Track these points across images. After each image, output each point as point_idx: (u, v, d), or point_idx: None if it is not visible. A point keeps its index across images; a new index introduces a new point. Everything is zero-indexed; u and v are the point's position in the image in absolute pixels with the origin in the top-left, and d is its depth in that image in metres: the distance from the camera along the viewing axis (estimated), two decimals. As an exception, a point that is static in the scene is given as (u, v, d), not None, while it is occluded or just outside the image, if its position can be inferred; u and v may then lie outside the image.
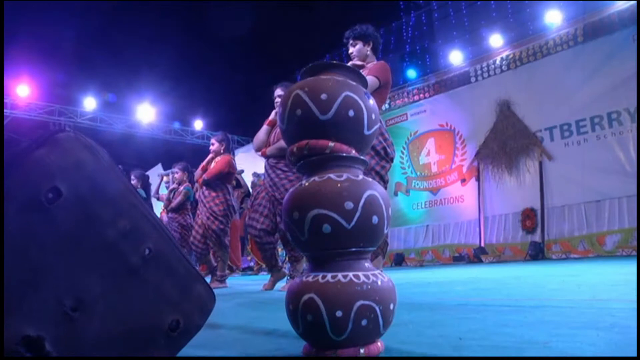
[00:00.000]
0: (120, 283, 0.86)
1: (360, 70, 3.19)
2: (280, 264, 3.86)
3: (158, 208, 8.75)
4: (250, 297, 2.97)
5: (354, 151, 1.10)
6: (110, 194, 0.87)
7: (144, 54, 11.93)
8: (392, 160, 3.12)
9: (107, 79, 11.79)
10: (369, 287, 1.00)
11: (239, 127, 14.01)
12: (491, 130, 8.75)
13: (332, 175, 1.04)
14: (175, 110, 12.91)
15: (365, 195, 1.01)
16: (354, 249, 1.03)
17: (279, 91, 3.82)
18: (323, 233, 1.00)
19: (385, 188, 3.03)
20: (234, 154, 5.04)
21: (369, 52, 3.26)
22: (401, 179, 10.31)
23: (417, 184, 10.18)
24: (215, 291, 3.57)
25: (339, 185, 1.01)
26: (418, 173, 10.18)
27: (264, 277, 3.76)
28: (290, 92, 1.12)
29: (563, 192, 7.64)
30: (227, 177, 4.60)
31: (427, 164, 10.03)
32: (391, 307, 1.03)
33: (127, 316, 0.88)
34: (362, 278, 1.01)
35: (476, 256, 8.07)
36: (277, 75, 14.27)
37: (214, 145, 4.66)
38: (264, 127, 3.81)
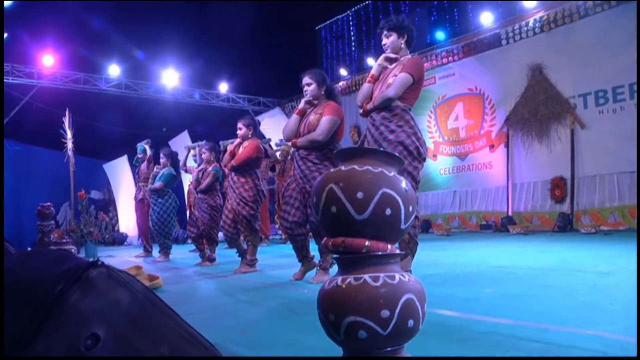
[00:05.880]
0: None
1: (394, 65, 3.15)
2: (310, 253, 3.91)
3: (186, 180, 8.91)
4: (281, 298, 3.05)
5: (389, 246, 1.10)
6: (147, 325, 0.89)
7: (166, 20, 11.81)
8: (424, 160, 3.11)
9: (130, 45, 11.76)
10: (405, 387, 1.03)
11: (263, 88, 13.91)
12: (522, 96, 8.49)
13: (367, 278, 1.04)
14: (200, 74, 12.85)
15: (401, 302, 1.02)
16: (389, 349, 1.05)
17: (307, 79, 3.78)
18: (359, 338, 1.02)
19: (417, 188, 3.01)
20: (259, 133, 5.06)
21: (402, 45, 3.22)
22: (428, 144, 10.17)
23: (445, 149, 10.06)
24: (246, 277, 3.60)
25: (375, 291, 1.02)
26: (446, 138, 10.04)
27: (290, 249, 3.83)
28: (324, 183, 1.10)
29: (595, 162, 7.44)
30: (256, 162, 4.62)
31: (455, 128, 9.86)
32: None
33: None
34: (398, 378, 1.03)
35: (503, 225, 8.02)
36: (300, 34, 14.00)
37: (242, 130, 4.65)
38: (294, 117, 3.79)
